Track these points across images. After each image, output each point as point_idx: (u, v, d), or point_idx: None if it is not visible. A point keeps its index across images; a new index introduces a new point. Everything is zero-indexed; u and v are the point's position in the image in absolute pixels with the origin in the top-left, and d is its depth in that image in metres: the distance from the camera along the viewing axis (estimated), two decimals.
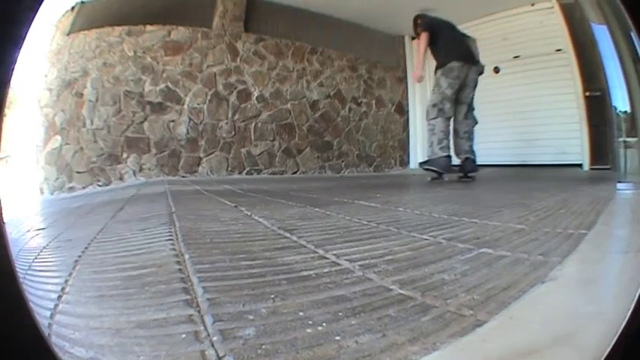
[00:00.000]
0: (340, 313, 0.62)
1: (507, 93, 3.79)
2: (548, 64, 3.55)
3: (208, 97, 3.89)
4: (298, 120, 4.24)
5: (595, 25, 1.84)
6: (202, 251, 0.99)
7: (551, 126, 3.60)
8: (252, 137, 4.05)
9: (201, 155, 3.84)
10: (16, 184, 3.09)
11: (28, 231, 1.63)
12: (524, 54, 3.75)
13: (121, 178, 3.53)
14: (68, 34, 3.63)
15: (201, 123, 3.85)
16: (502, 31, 3.86)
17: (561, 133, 3.56)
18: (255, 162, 4.05)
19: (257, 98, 4.08)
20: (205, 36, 3.96)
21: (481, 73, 3.25)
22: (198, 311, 0.63)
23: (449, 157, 3.14)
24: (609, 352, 0.45)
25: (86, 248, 1.12)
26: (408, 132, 4.81)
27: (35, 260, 1.10)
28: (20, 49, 0.35)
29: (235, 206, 1.82)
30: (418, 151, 4.50)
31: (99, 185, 3.48)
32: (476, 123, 3.24)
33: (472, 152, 3.20)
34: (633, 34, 0.50)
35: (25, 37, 0.36)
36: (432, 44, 3.25)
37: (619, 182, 2.03)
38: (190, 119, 3.81)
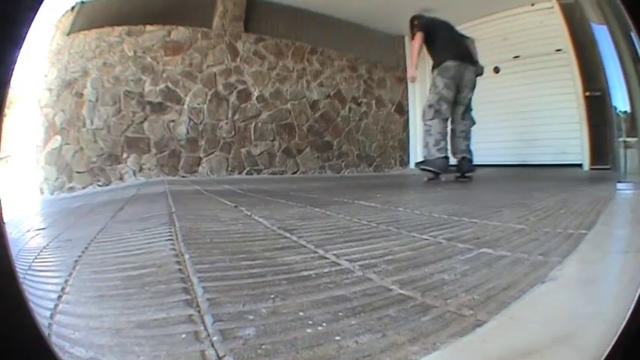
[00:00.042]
0: (340, 313, 0.62)
1: (507, 93, 3.79)
2: (548, 64, 3.55)
3: (208, 97, 3.89)
4: (298, 120, 4.24)
5: (595, 25, 1.84)
6: (202, 251, 0.99)
7: (551, 126, 3.60)
8: (252, 137, 4.05)
9: (201, 155, 3.85)
10: (16, 184, 3.09)
11: (28, 231, 1.63)
12: (524, 54, 3.75)
13: (121, 178, 3.54)
14: (68, 34, 3.63)
15: (201, 123, 3.85)
16: (502, 31, 3.86)
17: (561, 133, 3.56)
18: (255, 162, 4.05)
19: (257, 98, 4.08)
20: (205, 36, 3.96)
21: (480, 74, 3.24)
22: (198, 311, 0.63)
23: (446, 158, 3.13)
24: (609, 352, 0.45)
25: (86, 248, 1.12)
26: (408, 132, 4.81)
27: (35, 260, 1.10)
28: (20, 49, 0.35)
29: (235, 206, 1.82)
30: (418, 151, 4.49)
31: (99, 185, 3.48)
32: (473, 123, 3.23)
33: (469, 152, 3.19)
34: (633, 34, 0.50)
35: (25, 37, 0.36)
36: (429, 44, 3.25)
37: (619, 182, 2.03)
38: (190, 119, 3.81)
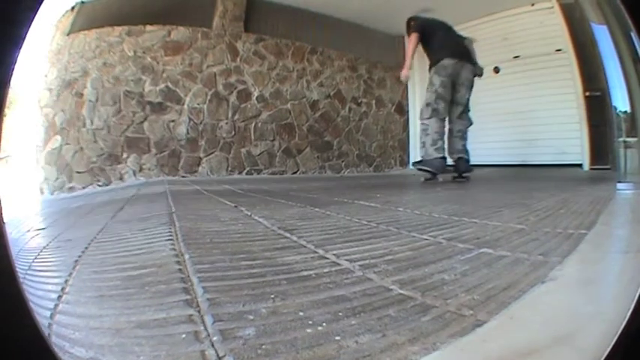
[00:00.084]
0: (340, 313, 0.62)
1: (507, 93, 3.79)
2: (548, 64, 3.55)
3: (208, 97, 3.89)
4: (298, 120, 4.24)
5: (595, 25, 1.84)
6: (202, 251, 0.99)
7: (551, 126, 3.60)
8: (252, 137, 4.05)
9: (201, 155, 3.85)
10: (16, 184, 3.09)
11: (28, 231, 1.63)
12: (524, 54, 3.75)
13: (121, 178, 3.54)
14: (68, 34, 3.63)
15: (201, 123, 3.85)
16: (502, 31, 3.86)
17: (561, 133, 3.56)
18: (255, 162, 4.05)
19: (257, 98, 4.08)
20: (205, 36, 3.96)
21: (480, 75, 3.22)
22: (198, 311, 0.63)
23: (444, 158, 3.10)
24: (609, 352, 0.45)
25: (86, 248, 1.12)
26: (408, 132, 4.81)
27: (35, 260, 1.10)
28: (20, 49, 0.35)
29: (235, 206, 1.82)
30: (418, 151, 4.49)
31: (99, 185, 3.48)
32: (470, 124, 3.21)
33: (466, 152, 3.17)
34: (633, 34, 0.50)
35: (25, 37, 0.36)
36: (425, 45, 3.24)
37: (619, 182, 2.03)
38: (190, 119, 3.81)
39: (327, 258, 0.91)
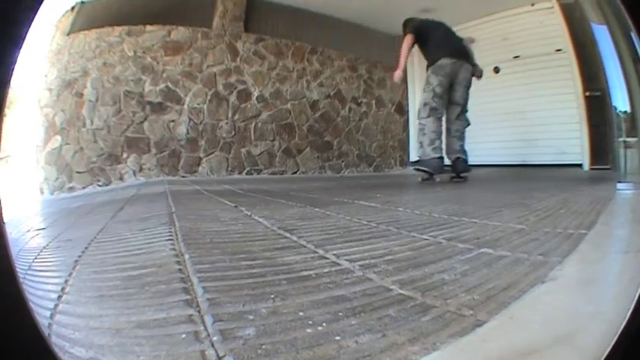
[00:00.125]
0: (340, 313, 0.62)
1: (507, 93, 3.79)
2: (548, 64, 3.55)
3: (208, 97, 3.89)
4: (298, 120, 4.24)
5: (595, 25, 1.84)
6: (202, 251, 0.99)
7: (551, 126, 3.59)
8: (252, 137, 4.05)
9: (201, 155, 3.84)
10: (16, 184, 3.09)
11: (28, 231, 1.63)
12: (524, 54, 3.74)
13: (121, 178, 3.54)
14: (68, 34, 3.63)
15: (201, 123, 3.85)
16: (502, 31, 3.86)
17: (561, 133, 3.56)
18: (255, 162, 4.05)
19: (257, 98, 4.08)
20: (205, 36, 3.96)
21: (479, 76, 3.20)
22: (198, 311, 0.63)
23: (441, 158, 3.09)
24: (609, 352, 0.45)
25: (86, 248, 1.12)
26: (408, 132, 4.81)
27: (35, 260, 1.10)
28: (20, 49, 0.35)
29: (235, 206, 1.82)
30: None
31: (99, 185, 3.48)
32: (468, 124, 3.19)
33: (463, 152, 3.15)
34: (633, 34, 0.50)
35: (25, 37, 0.36)
36: (423, 45, 3.23)
37: (619, 182, 2.03)
38: (190, 119, 3.81)
39: (327, 258, 0.91)
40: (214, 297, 0.68)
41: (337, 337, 0.55)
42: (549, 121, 3.58)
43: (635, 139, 1.95)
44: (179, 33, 3.85)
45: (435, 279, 0.76)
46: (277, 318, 0.61)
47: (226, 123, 3.94)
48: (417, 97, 4.53)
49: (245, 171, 3.99)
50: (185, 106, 3.79)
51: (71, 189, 3.43)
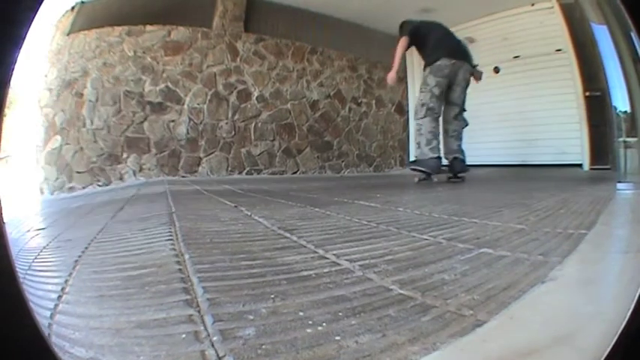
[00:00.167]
0: (340, 313, 0.62)
1: (507, 93, 3.79)
2: (548, 64, 3.55)
3: (208, 97, 3.90)
4: (298, 120, 4.24)
5: (595, 25, 1.84)
6: (202, 251, 0.99)
7: (551, 126, 3.60)
8: (252, 137, 4.05)
9: (201, 155, 3.85)
10: (16, 184, 3.09)
11: (28, 231, 1.63)
12: (524, 54, 3.75)
13: (121, 178, 3.54)
14: (68, 34, 3.63)
15: (201, 123, 3.85)
16: (502, 31, 3.86)
17: (561, 133, 3.56)
18: (255, 162, 4.05)
19: (257, 98, 4.08)
20: (205, 36, 3.96)
21: (478, 79, 3.19)
22: (198, 311, 0.63)
23: (439, 158, 3.07)
24: (609, 352, 0.45)
25: (86, 248, 1.12)
26: (408, 132, 4.81)
27: (35, 260, 1.10)
28: (20, 49, 0.35)
29: (235, 206, 1.82)
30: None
31: (99, 185, 3.48)
32: (466, 124, 3.17)
33: (461, 152, 3.14)
34: (633, 34, 0.50)
35: (25, 37, 0.36)
36: (420, 46, 3.21)
37: (619, 182, 2.03)
38: (190, 119, 3.81)
39: (327, 258, 0.91)
40: (214, 297, 0.68)
41: (337, 337, 0.55)
42: (549, 121, 3.58)
43: (635, 139, 1.95)
44: (179, 33, 3.85)
45: (435, 279, 0.76)
46: (277, 318, 0.61)
47: (226, 123, 3.95)
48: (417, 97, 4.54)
49: (245, 171, 4.00)
50: (185, 106, 3.79)
51: (71, 189, 3.43)
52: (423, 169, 3.07)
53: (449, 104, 3.15)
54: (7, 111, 0.37)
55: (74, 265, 0.96)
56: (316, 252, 0.97)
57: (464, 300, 0.66)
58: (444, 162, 3.13)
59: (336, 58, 4.48)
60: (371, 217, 1.45)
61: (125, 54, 3.67)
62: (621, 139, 2.05)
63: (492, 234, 1.13)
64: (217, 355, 0.51)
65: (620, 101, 1.80)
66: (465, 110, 3.18)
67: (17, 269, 0.37)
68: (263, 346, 0.52)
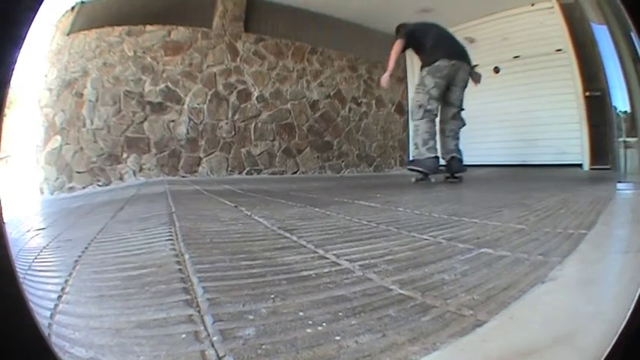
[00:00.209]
0: (340, 313, 0.62)
1: (507, 93, 3.79)
2: (548, 64, 3.55)
3: (208, 97, 3.90)
4: (298, 120, 4.24)
5: (595, 25, 1.84)
6: (202, 251, 0.99)
7: (551, 126, 3.60)
8: (252, 137, 4.05)
9: (201, 155, 3.85)
10: (16, 184, 3.09)
11: (28, 231, 1.63)
12: (524, 54, 3.75)
13: (121, 178, 3.54)
14: (68, 34, 3.63)
15: (201, 123, 3.85)
16: (502, 31, 3.86)
17: (561, 133, 3.56)
18: (255, 162, 4.05)
19: (257, 98, 4.08)
20: (205, 36, 3.96)
21: (477, 81, 3.17)
22: (198, 311, 0.63)
23: (436, 157, 3.05)
24: (609, 352, 0.45)
25: (86, 248, 1.12)
26: (408, 132, 4.80)
27: (35, 260, 1.10)
28: (20, 49, 0.35)
29: (235, 206, 1.82)
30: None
31: (99, 185, 3.48)
32: (463, 124, 3.16)
33: (458, 151, 3.11)
34: (633, 34, 0.50)
35: (25, 37, 0.36)
36: (418, 49, 3.20)
37: (619, 182, 2.03)
38: (190, 119, 3.81)
39: (327, 258, 0.91)
40: (214, 297, 0.68)
41: (337, 337, 0.55)
42: (549, 121, 3.58)
43: (635, 139, 1.95)
44: (179, 33, 3.85)
45: (435, 279, 0.76)
46: (277, 318, 0.61)
47: (226, 123, 3.95)
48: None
49: (245, 171, 4.00)
50: (185, 106, 3.79)
51: (71, 189, 3.43)
52: (420, 169, 3.05)
53: (447, 104, 3.13)
54: (7, 111, 0.37)
55: (74, 265, 0.96)
56: (316, 252, 0.97)
57: (464, 300, 0.66)
58: (442, 162, 3.12)
59: (336, 58, 4.48)
60: (371, 217, 1.45)
61: (125, 54, 3.67)
62: (621, 139, 2.05)
63: (492, 234, 1.13)
64: (217, 355, 0.51)
65: (620, 101, 1.81)
66: (462, 110, 3.16)
67: (17, 269, 0.37)
68: (263, 346, 0.52)
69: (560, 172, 3.39)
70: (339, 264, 0.87)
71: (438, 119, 3.14)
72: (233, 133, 3.97)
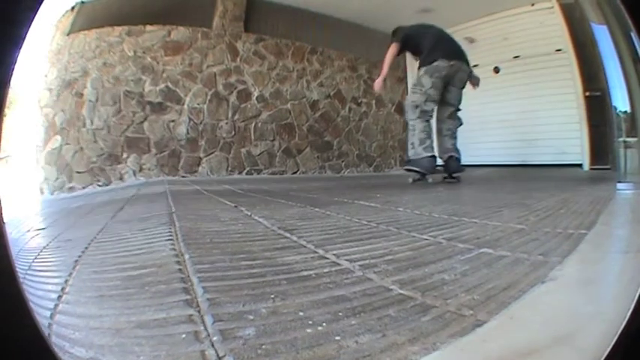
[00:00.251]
0: (340, 313, 0.62)
1: (507, 93, 3.79)
2: (548, 64, 3.55)
3: (208, 97, 3.90)
4: (298, 120, 4.24)
5: (595, 25, 1.84)
6: (202, 251, 0.99)
7: (551, 126, 3.60)
8: (252, 137, 4.05)
9: (201, 155, 3.85)
10: (16, 184, 3.09)
11: (28, 231, 1.63)
12: (524, 54, 3.75)
13: (121, 178, 3.54)
14: (68, 34, 3.63)
15: (201, 123, 3.85)
16: (502, 31, 3.86)
17: (561, 133, 3.56)
18: (255, 162, 4.05)
19: (257, 98, 4.08)
20: (205, 36, 3.96)
21: (475, 84, 3.14)
22: (198, 311, 0.63)
23: (433, 157, 3.00)
24: (609, 352, 0.45)
25: (86, 248, 1.12)
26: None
27: (35, 260, 1.10)
28: (20, 49, 0.35)
29: (235, 206, 1.82)
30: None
31: (99, 185, 3.48)
32: (460, 124, 3.12)
33: (456, 151, 3.07)
34: (633, 34, 0.50)
35: (25, 37, 0.36)
36: (415, 50, 3.17)
37: (619, 182, 2.03)
38: (190, 119, 3.81)
39: (327, 258, 0.91)
40: (214, 297, 0.68)
41: (337, 337, 0.55)
42: (549, 121, 3.58)
43: (635, 139, 1.95)
44: (179, 33, 3.85)
45: (435, 279, 0.76)
46: (277, 318, 0.61)
47: (226, 123, 3.95)
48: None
49: (245, 171, 4.00)
50: (185, 106, 3.80)
51: (71, 189, 3.44)
52: (417, 169, 3.01)
53: (444, 104, 3.09)
54: (7, 111, 0.37)
55: (74, 265, 0.96)
56: (316, 252, 0.97)
57: (464, 300, 0.66)
58: (439, 162, 3.07)
59: (336, 58, 4.48)
60: (371, 217, 1.45)
61: (125, 54, 3.67)
62: (621, 139, 2.05)
63: (492, 234, 1.13)
64: (217, 355, 0.51)
65: (620, 101, 1.80)
66: (459, 110, 3.13)
67: (17, 269, 0.37)
68: (263, 346, 0.52)
69: (560, 172, 3.39)
70: (339, 264, 0.87)
71: (434, 119, 3.12)
72: (233, 133, 3.97)
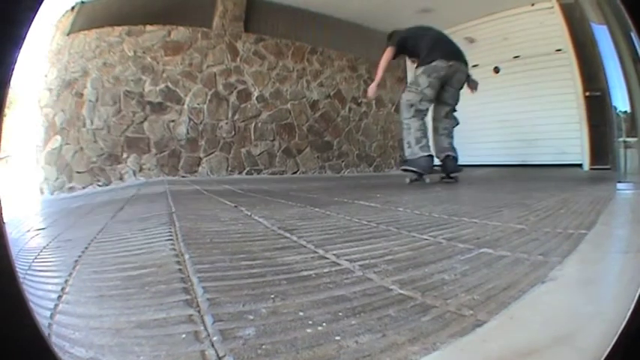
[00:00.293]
0: (340, 313, 0.62)
1: (507, 93, 3.79)
2: (548, 64, 3.55)
3: (208, 97, 3.90)
4: (298, 120, 4.25)
5: (595, 25, 1.84)
6: (202, 251, 0.99)
7: (551, 126, 3.60)
8: (252, 137, 4.05)
9: (201, 155, 3.85)
10: (16, 184, 3.09)
11: (28, 231, 1.63)
12: (524, 54, 3.75)
13: (121, 178, 3.54)
14: (68, 34, 3.63)
15: (201, 123, 3.86)
16: (502, 31, 3.86)
17: (561, 133, 3.56)
18: (255, 162, 4.05)
19: (257, 98, 4.08)
20: (205, 36, 3.96)
21: (473, 87, 3.11)
22: (198, 311, 0.63)
23: (430, 156, 2.97)
24: (609, 352, 0.45)
25: (86, 248, 1.12)
26: None
27: (35, 260, 1.10)
28: (20, 49, 0.35)
29: (235, 206, 1.82)
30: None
31: (99, 185, 3.48)
32: (457, 123, 3.10)
33: (453, 149, 3.04)
34: (633, 34, 0.50)
35: (25, 37, 0.36)
36: (413, 52, 3.16)
37: (619, 182, 2.03)
38: (190, 119, 3.81)
39: (327, 258, 0.91)
40: (214, 297, 0.68)
41: (337, 337, 0.55)
42: (549, 121, 3.58)
43: (635, 139, 1.95)
44: (179, 33, 3.85)
45: (435, 279, 0.76)
46: (277, 318, 0.61)
47: (226, 123, 3.95)
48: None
49: (245, 171, 4.00)
50: (185, 106, 3.80)
51: (71, 189, 3.44)
52: (414, 169, 2.97)
53: (440, 103, 3.07)
54: (7, 111, 0.37)
55: (74, 265, 0.96)
56: (316, 252, 0.97)
57: (464, 300, 0.66)
58: (436, 161, 3.04)
59: (336, 58, 4.48)
60: (371, 217, 1.45)
61: (125, 54, 3.67)
62: (621, 139, 2.05)
63: (492, 234, 1.13)
64: (217, 355, 0.51)
65: (620, 101, 1.80)
66: (456, 109, 3.10)
67: (17, 269, 0.37)
68: (263, 346, 0.52)
69: (560, 172, 3.39)
70: (339, 264, 0.87)
71: (429, 118, 3.08)
72: (233, 133, 3.97)
